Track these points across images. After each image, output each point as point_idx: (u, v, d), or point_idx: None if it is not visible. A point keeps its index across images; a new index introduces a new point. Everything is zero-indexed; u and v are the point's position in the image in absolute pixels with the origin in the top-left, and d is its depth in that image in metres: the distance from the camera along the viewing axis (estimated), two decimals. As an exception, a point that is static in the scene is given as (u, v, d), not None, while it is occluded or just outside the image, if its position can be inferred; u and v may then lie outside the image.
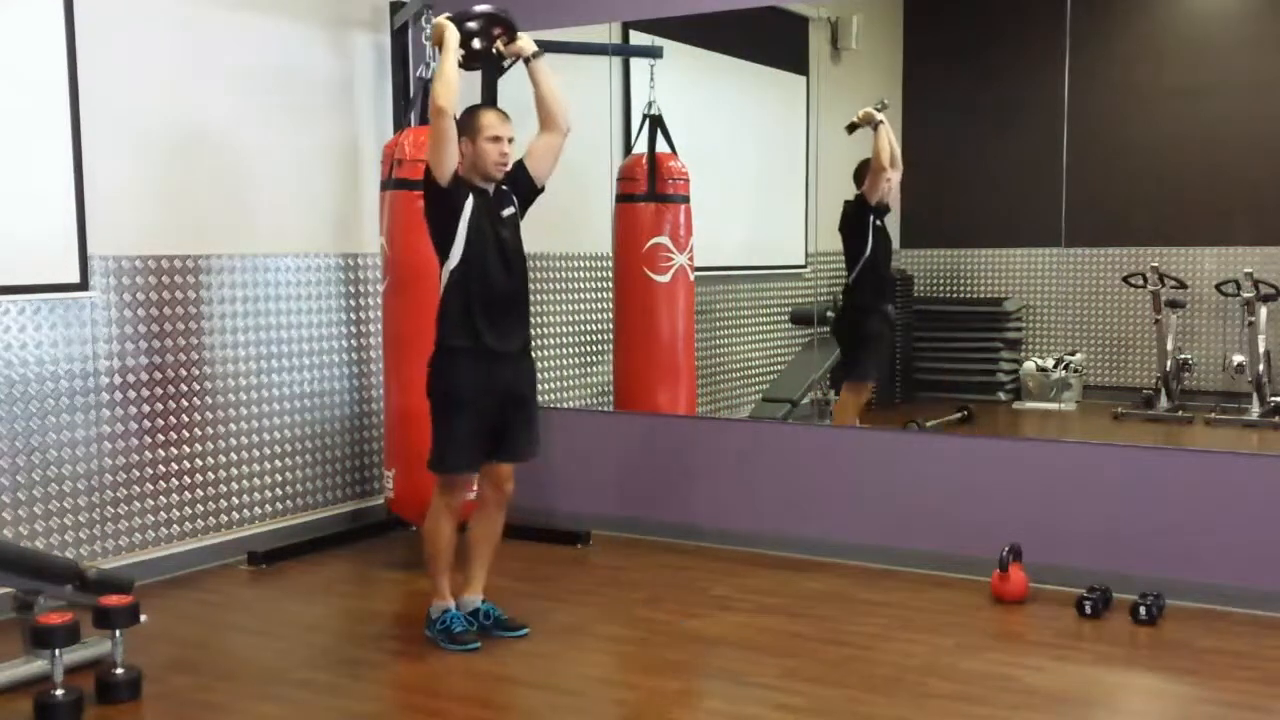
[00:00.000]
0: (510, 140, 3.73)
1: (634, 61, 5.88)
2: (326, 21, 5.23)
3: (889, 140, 5.47)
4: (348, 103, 5.34)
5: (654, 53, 5.75)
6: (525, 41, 3.83)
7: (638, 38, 5.81)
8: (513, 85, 5.56)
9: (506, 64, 3.91)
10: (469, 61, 3.84)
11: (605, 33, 5.60)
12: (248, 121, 4.91)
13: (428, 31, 3.78)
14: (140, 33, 4.51)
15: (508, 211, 3.78)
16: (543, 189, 3.89)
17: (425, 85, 4.83)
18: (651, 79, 5.70)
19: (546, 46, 5.45)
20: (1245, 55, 6.25)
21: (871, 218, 5.54)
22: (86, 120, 4.30)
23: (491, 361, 3.74)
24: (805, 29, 6.13)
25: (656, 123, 5.66)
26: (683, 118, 5.81)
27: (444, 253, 3.73)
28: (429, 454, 3.84)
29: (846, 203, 5.66)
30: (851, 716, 3.25)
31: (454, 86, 3.62)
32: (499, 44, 3.81)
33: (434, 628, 3.85)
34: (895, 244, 6.63)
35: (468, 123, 3.72)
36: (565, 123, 3.83)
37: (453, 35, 3.69)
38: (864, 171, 5.55)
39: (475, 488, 4.01)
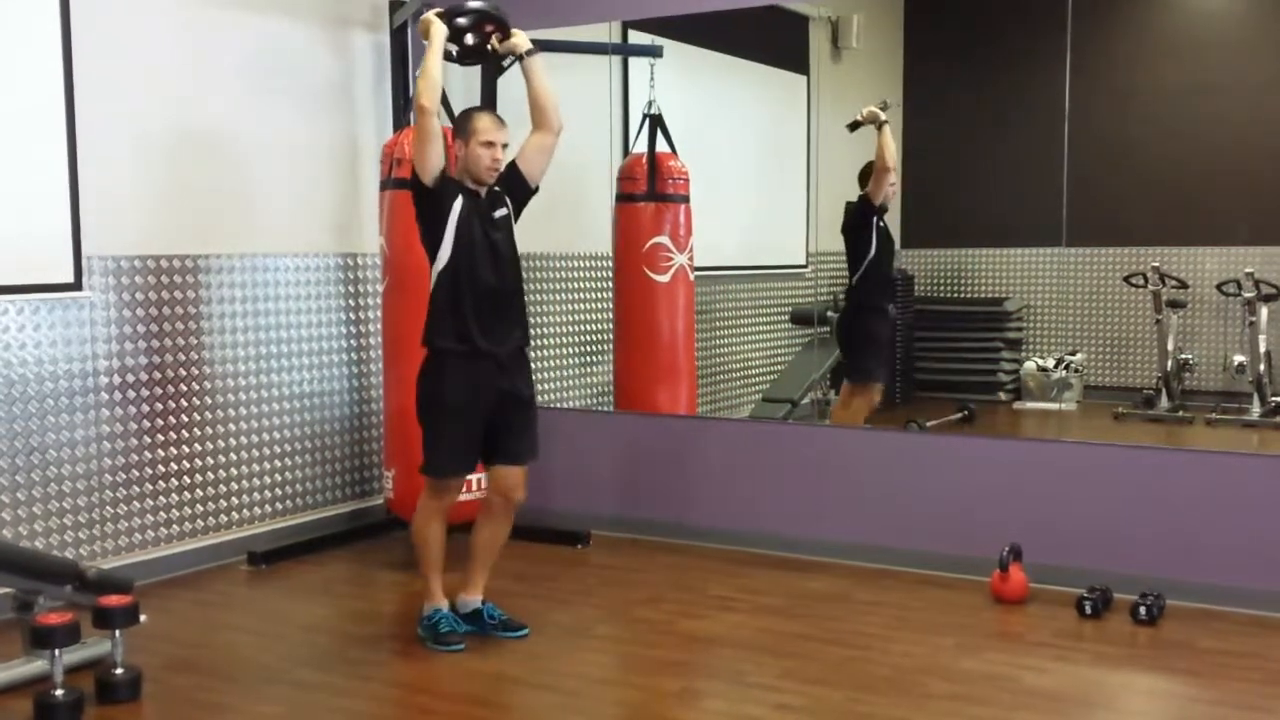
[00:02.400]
0: (504, 146, 3.72)
1: (634, 61, 5.87)
2: (326, 21, 5.23)
3: (891, 140, 5.48)
4: (347, 102, 5.34)
5: (654, 52, 5.75)
6: (519, 38, 3.83)
7: (637, 37, 5.80)
8: (515, 87, 5.57)
9: (506, 64, 3.91)
10: (463, 57, 3.84)
11: (605, 32, 5.60)
12: (247, 121, 4.91)
13: (419, 24, 3.77)
14: (138, 31, 4.51)
15: (500, 213, 3.77)
16: (536, 189, 3.88)
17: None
18: (651, 78, 5.70)
19: (546, 46, 5.47)
20: (1245, 55, 6.25)
21: (875, 218, 5.54)
22: (83, 120, 4.29)
23: (482, 363, 3.72)
24: (806, 28, 6.12)
25: (656, 122, 5.66)
26: (683, 117, 5.81)
27: (433, 253, 3.73)
28: (422, 456, 3.84)
29: (849, 204, 5.65)
30: (851, 716, 3.25)
31: (436, 84, 3.62)
32: (493, 41, 3.80)
33: (423, 625, 3.87)
34: (896, 244, 6.64)
35: (462, 125, 3.72)
36: (558, 121, 3.82)
37: (438, 31, 3.68)
38: (869, 172, 5.54)
39: (483, 491, 4.00)
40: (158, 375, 4.64)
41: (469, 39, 3.78)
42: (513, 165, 3.81)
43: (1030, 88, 6.03)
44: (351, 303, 5.40)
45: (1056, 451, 4.58)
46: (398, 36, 5.39)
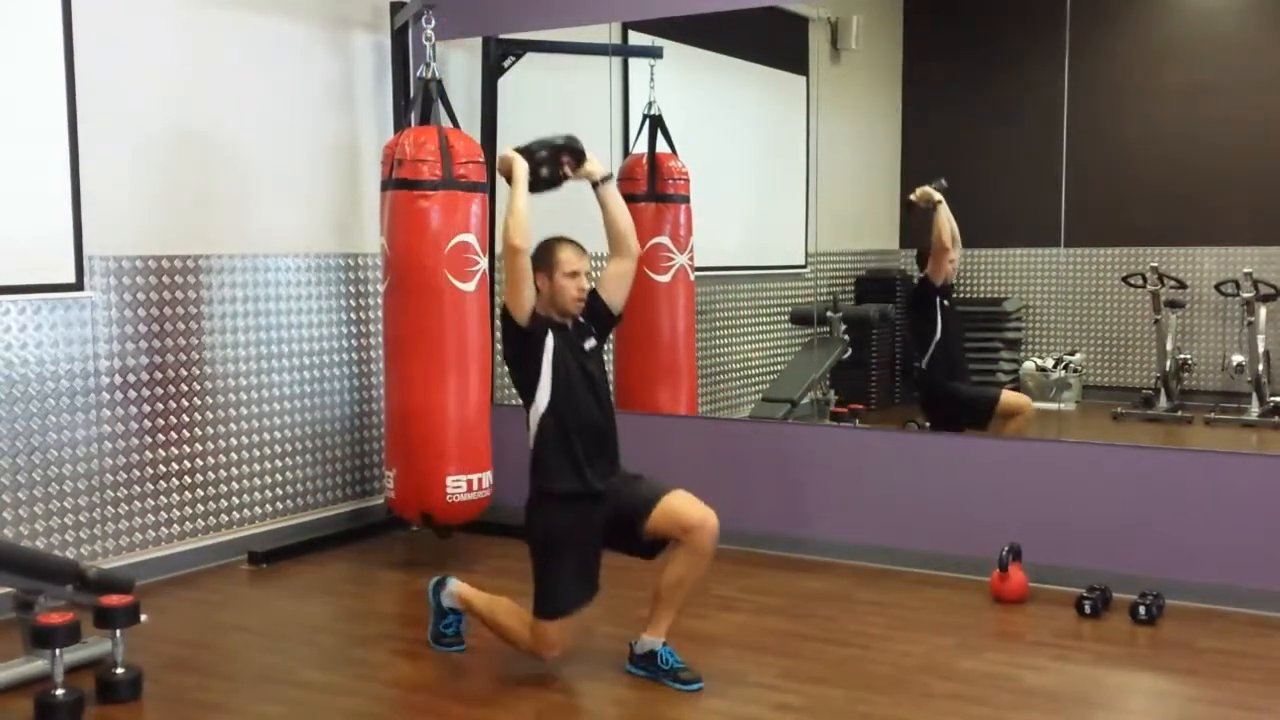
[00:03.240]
0: (588, 274, 3.60)
1: (634, 61, 5.88)
2: (327, 21, 5.23)
3: (949, 219, 5.37)
4: (348, 103, 5.35)
5: (654, 53, 5.76)
6: (594, 165, 3.70)
7: (638, 38, 5.81)
8: (515, 86, 5.57)
9: (566, 181, 3.80)
10: (534, 187, 3.71)
11: (605, 33, 5.60)
12: (248, 121, 4.91)
13: (497, 163, 3.68)
14: (139, 32, 4.51)
15: (589, 344, 3.63)
16: (620, 317, 3.74)
17: (425, 85, 4.83)
18: (651, 79, 5.71)
19: (547, 46, 5.49)
20: (1245, 55, 6.26)
21: (939, 299, 5.44)
22: (85, 121, 4.30)
23: (594, 501, 3.56)
24: (805, 29, 6.13)
25: (656, 123, 5.67)
26: (683, 118, 5.82)
27: (529, 394, 3.54)
28: (535, 600, 3.57)
29: (911, 290, 5.60)
30: (851, 716, 3.26)
31: (526, 224, 3.48)
32: (566, 169, 3.70)
33: (435, 621, 3.82)
34: (894, 244, 6.66)
35: (543, 258, 3.57)
36: (636, 247, 3.71)
37: (522, 168, 3.57)
38: (927, 253, 5.47)
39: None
40: (159, 375, 4.64)
41: (544, 171, 3.69)
42: (594, 294, 3.65)
43: (1029, 88, 6.04)
44: (352, 303, 5.41)
45: (1056, 451, 4.58)
46: (398, 37, 5.39)
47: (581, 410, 3.54)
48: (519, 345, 3.54)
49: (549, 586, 3.54)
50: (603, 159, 5.70)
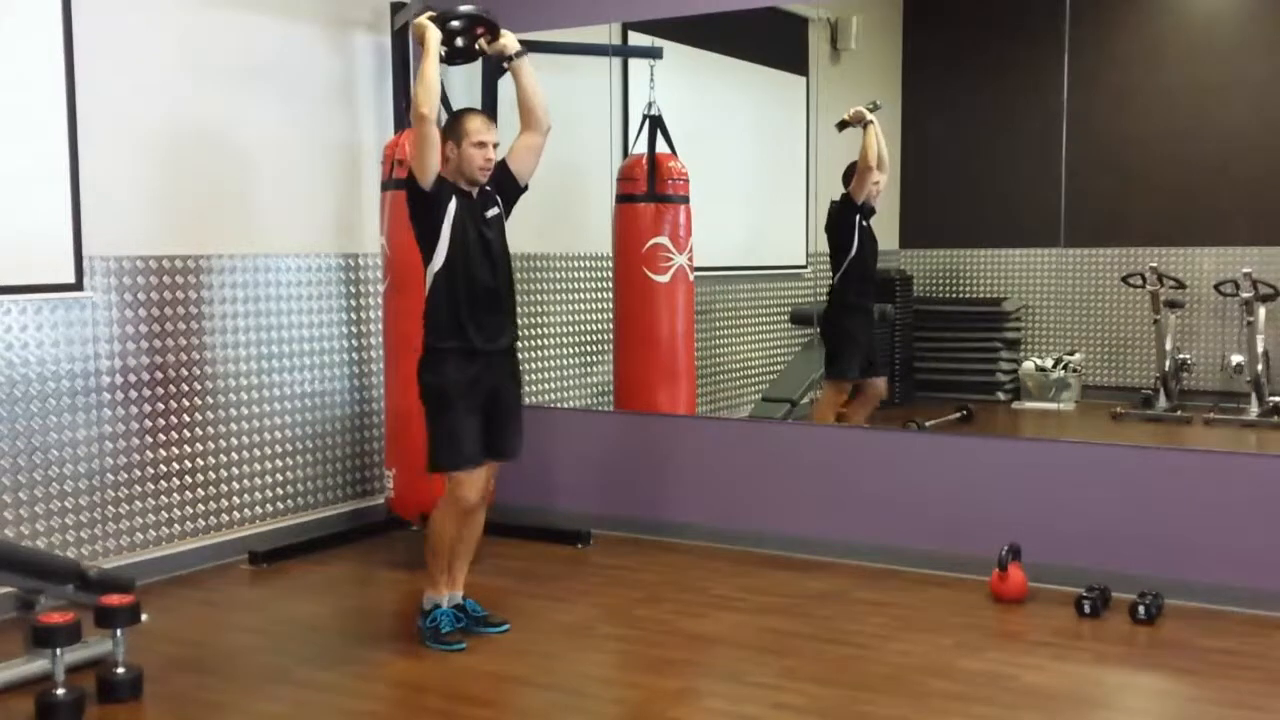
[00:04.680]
0: (495, 145, 3.77)
1: (634, 62, 5.88)
2: (326, 21, 5.24)
3: (878, 141, 5.49)
4: (348, 103, 5.35)
5: (654, 53, 5.76)
6: (508, 40, 3.87)
7: (637, 38, 5.81)
8: (512, 88, 5.57)
9: (506, 65, 3.93)
10: (450, 58, 3.88)
11: (605, 33, 5.61)
12: (248, 121, 4.91)
13: (411, 30, 3.80)
14: (139, 32, 4.52)
15: (492, 212, 3.82)
16: (526, 188, 3.93)
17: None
18: (651, 79, 5.71)
19: (547, 47, 5.49)
20: (1245, 56, 6.26)
21: (858, 218, 5.55)
22: (84, 121, 4.30)
23: (479, 360, 3.78)
24: (804, 29, 6.13)
25: (656, 123, 5.67)
26: (682, 118, 5.82)
27: (428, 254, 3.77)
28: (427, 455, 3.83)
29: (832, 202, 5.68)
30: (851, 716, 3.26)
31: (434, 90, 3.66)
32: (481, 42, 3.85)
33: (424, 623, 3.88)
34: (894, 244, 6.65)
35: (453, 127, 3.76)
36: (546, 121, 3.88)
37: (434, 36, 3.71)
38: (853, 171, 5.56)
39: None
40: (159, 375, 4.65)
41: (459, 41, 3.84)
42: (503, 165, 3.86)
43: (1028, 88, 6.04)
44: (352, 303, 5.41)
45: (1055, 451, 4.59)
46: (399, 37, 5.39)
47: (475, 273, 3.74)
48: (421, 207, 3.73)
49: (442, 442, 3.77)
50: (603, 159, 5.76)
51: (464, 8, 3.83)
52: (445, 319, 3.76)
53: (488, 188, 3.83)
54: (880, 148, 5.51)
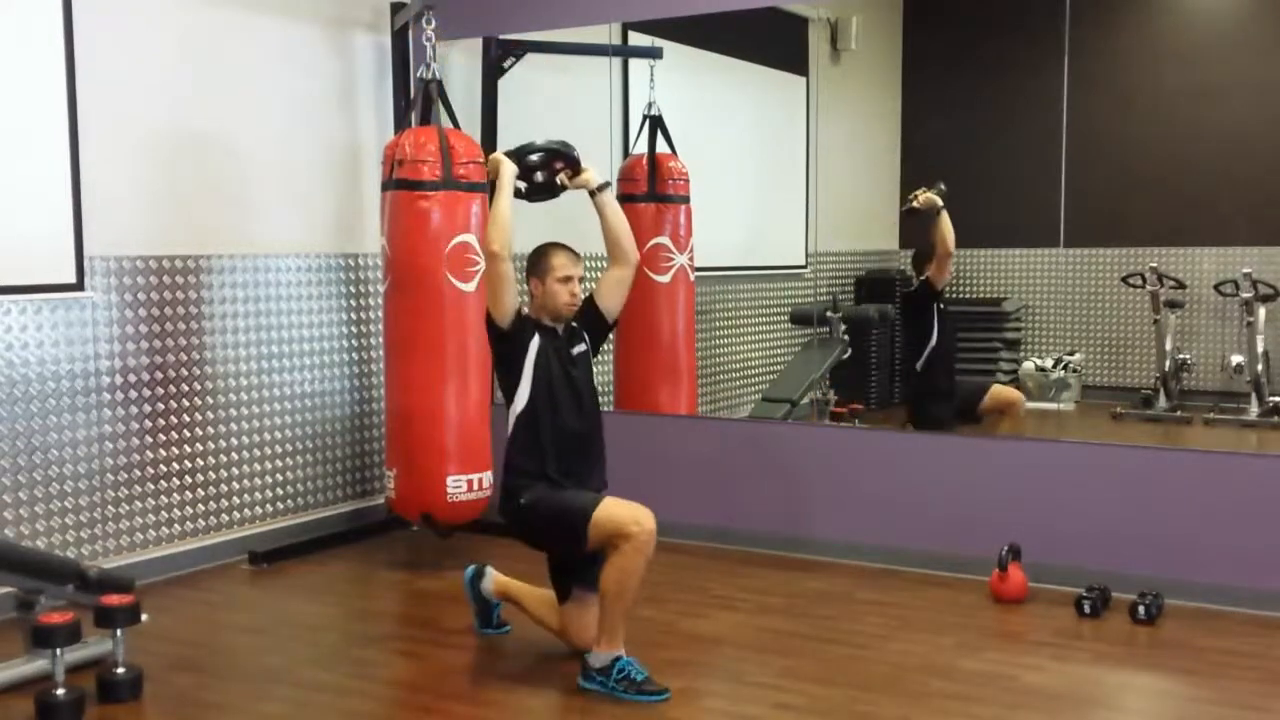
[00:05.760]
0: (581, 280, 3.60)
1: (634, 62, 5.89)
2: (326, 22, 5.24)
3: (949, 224, 5.35)
4: (348, 103, 5.35)
5: (654, 53, 5.76)
6: (590, 175, 3.69)
7: (637, 38, 5.82)
8: (512, 88, 5.58)
9: (559, 183, 3.75)
10: (530, 194, 3.71)
11: (605, 33, 5.61)
12: (248, 122, 4.91)
13: (486, 163, 3.64)
14: (139, 32, 4.52)
15: (579, 350, 3.63)
16: (615, 324, 3.75)
17: (425, 85, 4.83)
18: (651, 79, 5.71)
19: (547, 47, 5.50)
20: (1244, 56, 6.27)
21: (935, 304, 5.43)
22: (85, 121, 4.30)
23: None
24: (805, 30, 6.14)
25: (656, 123, 5.67)
26: (682, 119, 5.82)
27: (510, 394, 3.55)
28: (574, 538, 3.44)
29: (906, 292, 5.60)
30: (851, 716, 3.26)
31: (506, 227, 3.48)
32: (562, 177, 3.68)
33: (608, 680, 3.40)
34: (894, 244, 6.66)
35: (536, 263, 3.59)
36: (634, 255, 3.71)
37: (509, 171, 3.56)
38: (923, 257, 5.44)
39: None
40: (159, 375, 4.65)
41: (539, 176, 3.67)
42: (589, 301, 3.67)
43: (1029, 89, 6.04)
44: (353, 303, 5.41)
45: (1055, 451, 4.59)
46: (399, 38, 5.40)
47: (560, 414, 3.53)
48: (501, 346, 3.58)
49: (573, 510, 3.40)
50: (603, 159, 5.76)
51: (542, 142, 3.67)
52: (530, 464, 3.52)
53: (574, 324, 3.64)
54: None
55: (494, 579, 3.91)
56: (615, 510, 3.38)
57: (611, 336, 5.75)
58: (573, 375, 3.58)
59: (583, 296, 3.65)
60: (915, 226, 5.75)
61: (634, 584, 3.35)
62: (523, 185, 3.65)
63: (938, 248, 5.35)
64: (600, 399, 3.71)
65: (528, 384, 3.52)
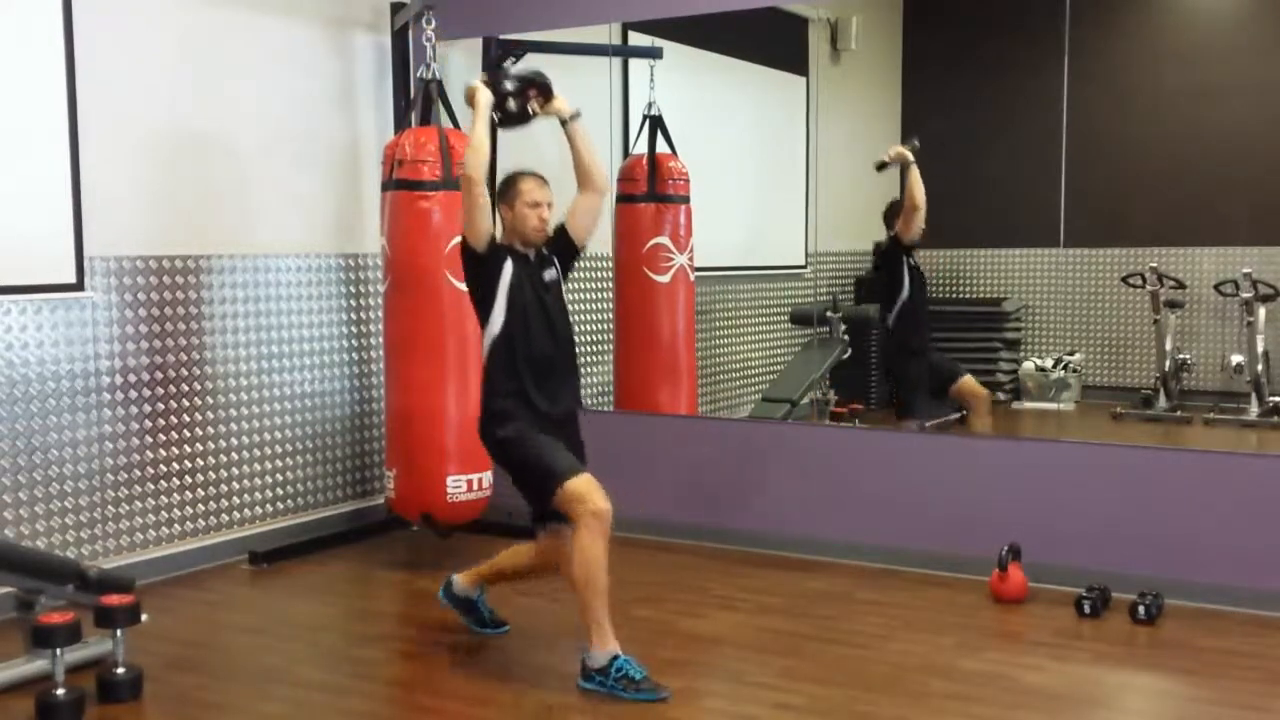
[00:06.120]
0: (550, 205, 3.67)
1: (634, 62, 5.89)
2: (327, 21, 5.24)
3: (919, 179, 5.39)
4: (348, 103, 5.35)
5: (654, 53, 5.76)
6: (561, 103, 3.75)
7: (637, 38, 5.82)
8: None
9: (532, 110, 3.83)
10: (505, 122, 3.78)
11: (605, 33, 5.61)
12: (248, 121, 4.91)
13: (464, 92, 3.73)
14: (139, 32, 4.52)
15: (550, 275, 3.71)
16: (583, 249, 3.83)
17: (425, 85, 4.84)
18: (651, 79, 5.72)
19: (547, 47, 5.50)
20: (1244, 56, 6.27)
21: (906, 257, 5.47)
22: (85, 121, 4.30)
23: (540, 421, 3.61)
24: (805, 30, 6.14)
25: (656, 123, 5.67)
26: (682, 119, 5.82)
27: (484, 319, 3.64)
28: (537, 497, 3.60)
29: (878, 244, 5.62)
30: (851, 716, 3.26)
31: (483, 153, 3.57)
32: (534, 105, 3.74)
33: (608, 679, 3.41)
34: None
35: (506, 189, 3.68)
36: (604, 183, 3.78)
37: (485, 98, 3.63)
38: (894, 212, 5.48)
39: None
40: (159, 375, 4.65)
41: (512, 104, 3.74)
42: (560, 227, 3.74)
43: (1029, 89, 6.04)
44: (353, 303, 5.41)
45: (1055, 451, 4.59)
46: (399, 37, 5.40)
47: (533, 338, 3.63)
48: (476, 271, 3.65)
49: (542, 461, 3.53)
50: (603, 159, 5.74)
51: (517, 69, 3.77)
52: (505, 385, 3.61)
53: (545, 251, 3.72)
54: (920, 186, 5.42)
55: (458, 578, 3.94)
56: (586, 488, 3.48)
57: (612, 336, 5.80)
58: (545, 300, 3.68)
59: (553, 224, 3.73)
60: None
61: (599, 571, 3.43)
62: (497, 115, 3.74)
63: (906, 201, 5.41)
64: (572, 328, 3.79)
65: (502, 309, 3.61)
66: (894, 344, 5.63)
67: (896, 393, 5.75)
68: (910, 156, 5.38)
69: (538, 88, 3.75)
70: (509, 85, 3.72)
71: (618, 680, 3.40)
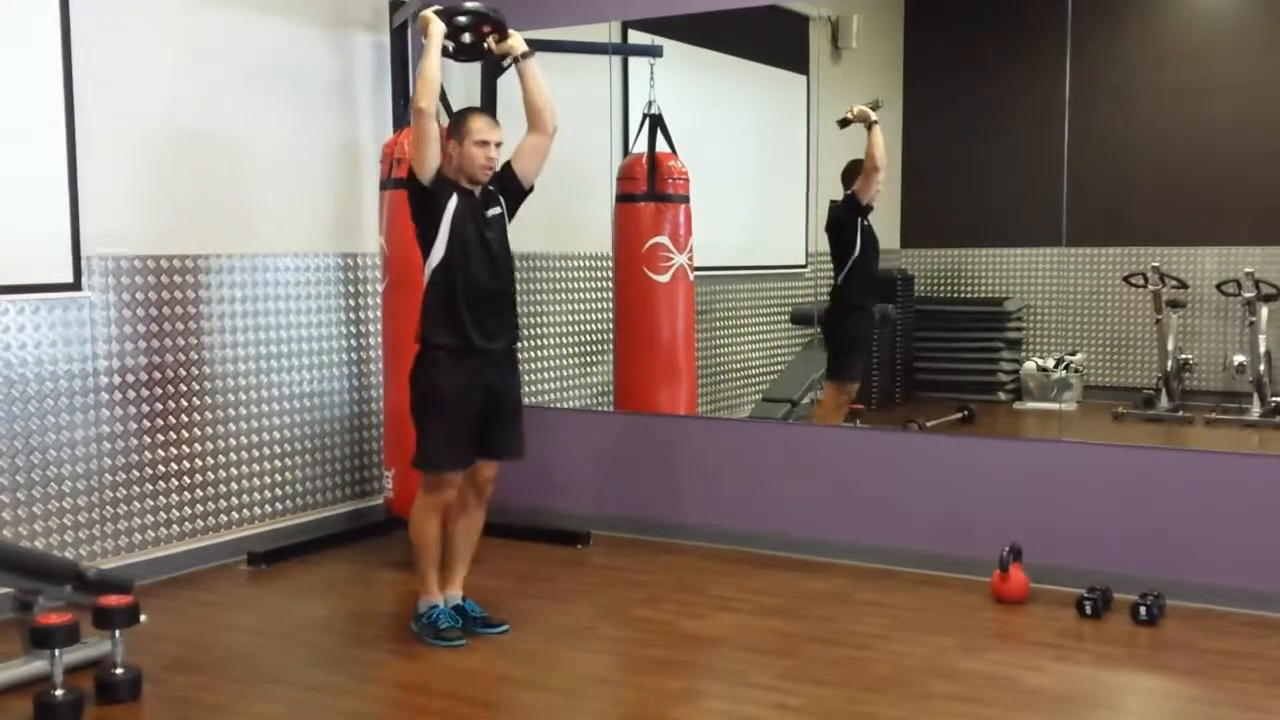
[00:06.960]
0: (498, 145, 3.76)
1: (634, 61, 5.87)
2: (326, 21, 5.23)
3: (881, 139, 5.47)
4: (348, 102, 5.34)
5: (654, 52, 5.75)
6: (515, 41, 3.86)
7: (637, 37, 5.80)
8: (512, 87, 5.57)
9: (505, 64, 3.93)
10: (457, 54, 3.88)
11: (605, 32, 5.60)
12: (247, 121, 4.90)
13: (419, 20, 3.81)
14: (138, 31, 4.51)
15: (493, 212, 3.82)
16: (531, 189, 3.92)
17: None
18: (651, 78, 5.70)
19: (547, 46, 5.48)
20: (1245, 56, 6.25)
21: (860, 218, 5.54)
22: (83, 120, 4.29)
23: (476, 358, 3.77)
24: (805, 28, 6.12)
25: (656, 122, 5.65)
26: (683, 117, 5.81)
27: (426, 249, 3.77)
28: (415, 453, 3.85)
29: (834, 203, 5.66)
30: (851, 716, 3.25)
31: (434, 84, 3.67)
32: (489, 42, 3.83)
33: (420, 623, 3.87)
34: (895, 244, 6.65)
35: (456, 126, 3.76)
36: (552, 123, 3.86)
37: (437, 29, 3.72)
38: (853, 171, 5.53)
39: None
40: (157, 375, 4.64)
41: (466, 38, 3.83)
42: (507, 165, 3.86)
43: (1030, 87, 6.03)
44: (351, 302, 5.40)
45: (1056, 451, 4.58)
46: (398, 36, 5.39)
47: (473, 272, 3.73)
48: (420, 202, 3.75)
49: (428, 442, 3.80)
50: (603, 158, 5.75)
51: (471, 4, 3.82)
52: (442, 316, 3.76)
53: (490, 188, 3.82)
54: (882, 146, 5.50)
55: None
56: (440, 485, 3.82)
57: (612, 336, 5.78)
58: (487, 237, 3.78)
59: (500, 162, 3.82)
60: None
61: (430, 540, 3.87)
62: (450, 44, 3.79)
63: (867, 162, 5.45)
64: (513, 265, 3.93)
65: (444, 241, 3.73)
66: (838, 303, 5.70)
67: (832, 351, 5.81)
68: (873, 115, 5.42)
69: (492, 23, 3.82)
70: (463, 19, 3.79)
71: (426, 626, 3.83)
